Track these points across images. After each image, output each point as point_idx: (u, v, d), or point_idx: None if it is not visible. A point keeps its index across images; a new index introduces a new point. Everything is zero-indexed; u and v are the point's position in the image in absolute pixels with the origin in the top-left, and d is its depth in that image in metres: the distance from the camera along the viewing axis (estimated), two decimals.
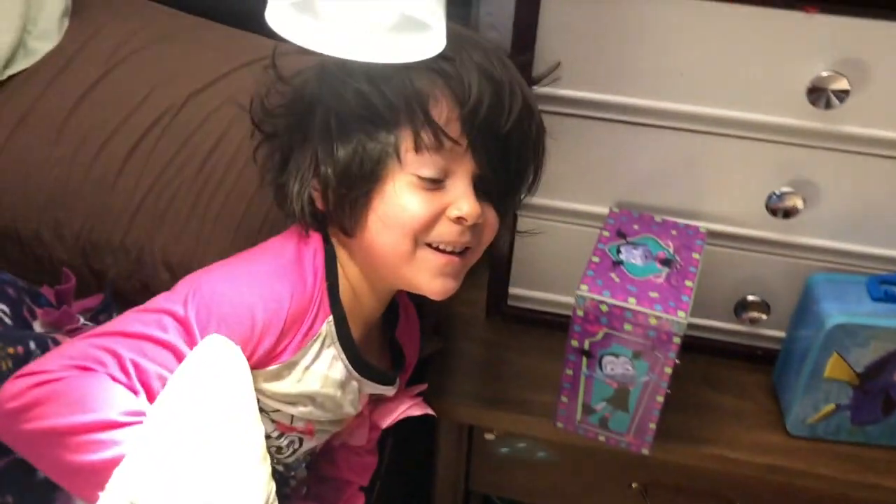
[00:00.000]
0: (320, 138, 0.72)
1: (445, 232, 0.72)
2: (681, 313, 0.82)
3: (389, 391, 0.86)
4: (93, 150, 0.91)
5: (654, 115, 0.88)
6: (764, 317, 0.98)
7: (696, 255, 0.89)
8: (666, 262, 0.87)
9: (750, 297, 0.98)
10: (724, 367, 1.03)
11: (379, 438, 0.95)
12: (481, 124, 0.71)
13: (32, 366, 0.64)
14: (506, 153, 0.74)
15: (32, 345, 0.74)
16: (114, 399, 0.61)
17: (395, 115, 0.69)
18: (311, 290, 0.73)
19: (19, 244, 0.90)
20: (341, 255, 0.76)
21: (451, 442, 1.05)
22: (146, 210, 0.88)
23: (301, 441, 0.81)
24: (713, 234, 0.94)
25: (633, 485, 1.02)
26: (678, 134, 0.89)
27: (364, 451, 0.95)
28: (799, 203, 0.89)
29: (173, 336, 0.66)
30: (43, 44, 1.01)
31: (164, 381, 0.64)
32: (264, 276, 0.71)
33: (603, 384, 0.88)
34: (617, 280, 0.85)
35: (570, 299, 1.03)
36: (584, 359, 0.87)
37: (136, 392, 0.63)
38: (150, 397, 0.64)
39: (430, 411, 0.90)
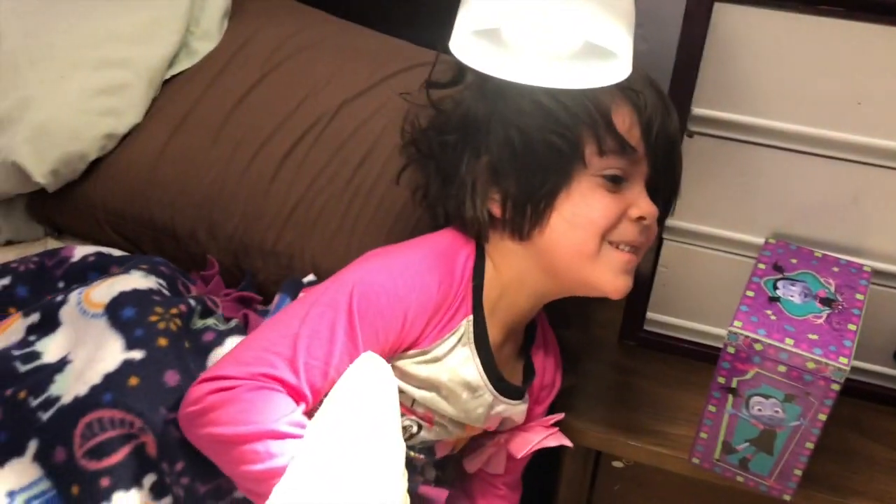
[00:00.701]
0: (500, 151, 0.75)
1: (627, 231, 0.75)
2: (842, 359, 0.77)
3: (518, 408, 0.84)
4: (249, 154, 0.93)
5: (824, 145, 0.83)
6: None
7: (859, 297, 0.83)
8: (827, 302, 0.82)
9: None
10: (880, 413, 0.96)
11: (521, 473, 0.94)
12: (658, 132, 0.75)
13: (213, 370, 0.67)
14: (672, 159, 0.79)
15: (192, 302, 0.79)
16: (278, 410, 0.63)
17: (578, 124, 0.73)
18: (458, 284, 0.76)
19: (175, 241, 0.94)
20: (498, 259, 0.78)
21: (577, 466, 1.03)
22: (298, 217, 0.90)
23: (419, 427, 0.80)
24: (878, 274, 0.88)
25: None
26: (847, 165, 0.84)
27: (503, 484, 0.94)
28: None
29: (339, 332, 0.69)
30: (204, 44, 1.04)
31: (329, 376, 0.68)
32: (417, 268, 0.74)
33: (748, 424, 0.84)
34: (773, 318, 0.80)
35: (711, 329, 1.00)
36: (731, 397, 0.83)
37: (303, 395, 0.67)
38: (317, 396, 0.68)
39: (567, 442, 0.88)
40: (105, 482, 0.66)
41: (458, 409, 0.79)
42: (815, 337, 0.78)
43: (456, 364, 0.76)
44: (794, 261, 0.87)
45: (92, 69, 0.95)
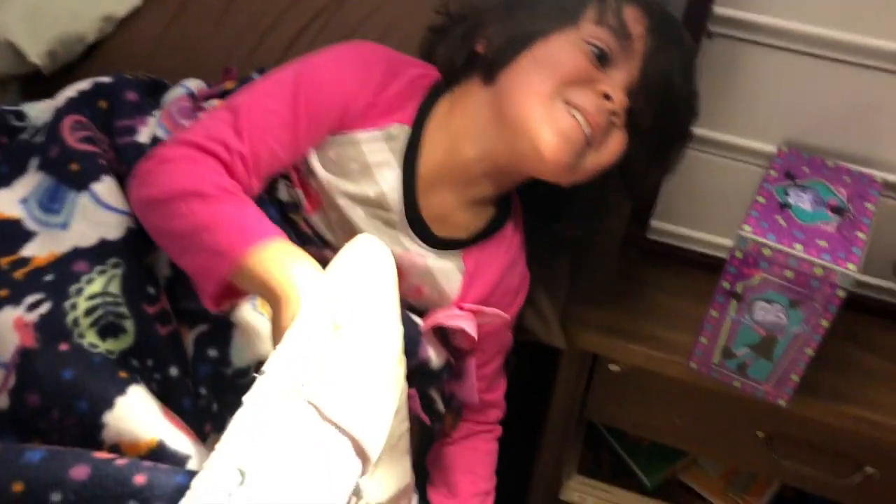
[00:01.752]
0: (510, 4, 0.78)
1: (586, 98, 0.74)
2: (850, 266, 0.77)
3: (437, 264, 0.81)
4: (252, 41, 0.91)
5: (843, 49, 0.82)
6: None
7: (869, 206, 0.83)
8: (837, 211, 0.82)
9: None
10: (874, 325, 0.98)
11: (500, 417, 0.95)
12: (661, 39, 0.75)
13: (157, 146, 0.74)
14: (668, 90, 0.76)
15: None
16: (204, 173, 0.68)
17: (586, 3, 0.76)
18: (403, 88, 0.78)
19: None
20: (458, 103, 0.79)
21: (574, 369, 1.04)
22: None
23: (298, 205, 0.79)
24: (888, 185, 0.87)
25: (759, 433, 1.00)
26: (866, 72, 0.82)
27: (481, 428, 0.94)
28: None
29: (283, 105, 0.73)
30: None
31: (269, 145, 0.73)
32: (367, 58, 0.78)
33: (750, 330, 0.85)
34: (783, 224, 0.80)
35: (716, 238, 1.00)
36: (734, 302, 0.84)
37: (244, 160, 0.71)
38: (259, 166, 0.72)
39: (471, 331, 0.81)
40: (103, 161, 0.73)
41: (361, 219, 0.78)
42: (824, 243, 0.78)
43: (373, 161, 0.77)
44: (806, 169, 0.87)
45: None
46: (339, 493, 0.57)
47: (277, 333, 0.59)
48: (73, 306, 0.66)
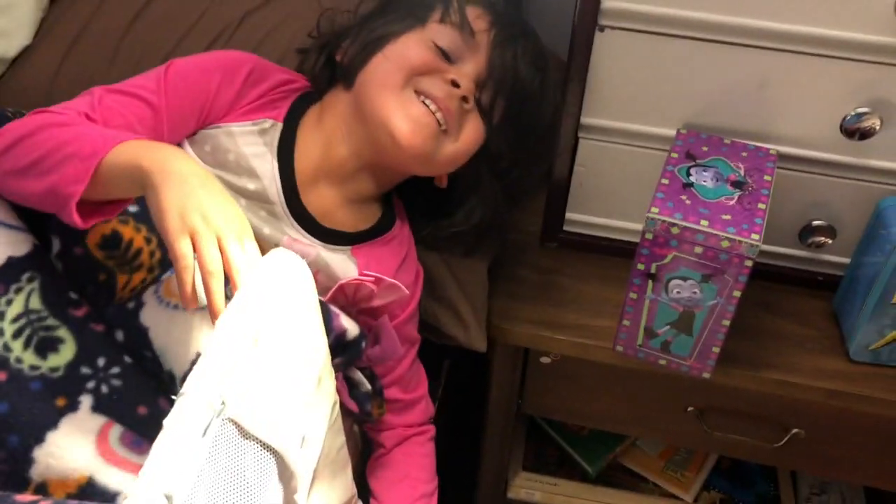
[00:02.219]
0: (365, 17, 0.86)
1: (436, 85, 0.80)
2: (754, 236, 0.80)
3: (330, 256, 0.84)
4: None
5: (726, 32, 0.85)
6: (829, 242, 0.97)
7: (767, 178, 0.87)
8: (737, 185, 0.86)
9: (816, 222, 0.96)
10: (785, 293, 1.02)
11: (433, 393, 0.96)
12: (504, 33, 0.83)
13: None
14: (516, 80, 0.84)
15: None
16: (57, 118, 0.70)
17: (432, 7, 0.84)
18: (273, 86, 0.84)
19: None
20: (327, 111, 0.85)
21: (506, 365, 1.05)
22: None
23: None
24: (783, 157, 0.91)
25: (689, 408, 1.03)
26: (750, 51, 0.86)
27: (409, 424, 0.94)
28: (876, 124, 0.86)
29: (146, 91, 0.77)
30: None
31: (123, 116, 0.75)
32: (235, 56, 0.84)
33: (668, 308, 0.88)
34: (688, 202, 0.83)
35: (629, 224, 1.03)
36: (650, 282, 0.86)
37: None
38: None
39: (366, 279, 0.83)
40: None
41: (239, 183, 0.81)
42: (727, 217, 0.82)
43: (249, 152, 0.81)
44: (705, 148, 0.90)
45: None
46: None
47: (160, 216, 0.59)
48: (0, 332, 0.64)
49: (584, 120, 0.95)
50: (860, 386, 0.93)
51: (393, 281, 0.83)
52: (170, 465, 0.49)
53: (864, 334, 0.92)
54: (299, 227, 0.83)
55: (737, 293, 0.84)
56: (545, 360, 1.04)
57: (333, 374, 0.70)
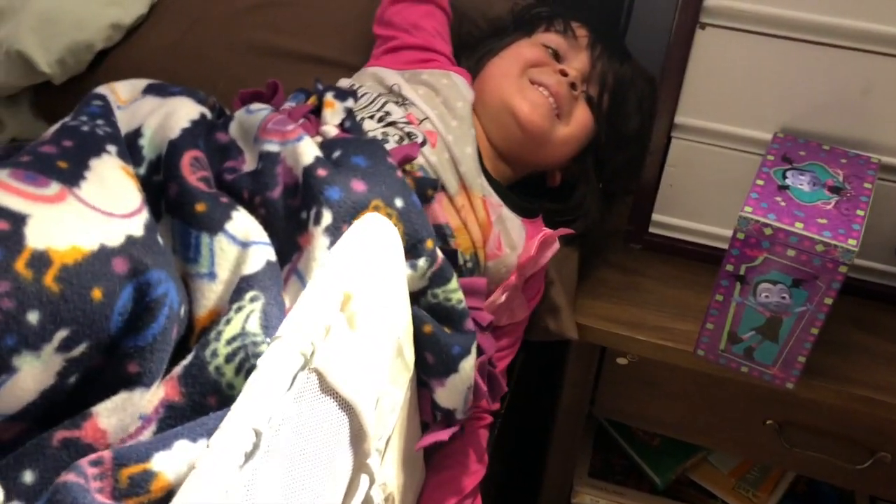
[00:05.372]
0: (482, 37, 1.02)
1: (547, 76, 0.91)
2: (851, 241, 0.78)
3: (511, 218, 0.88)
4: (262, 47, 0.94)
5: (830, 33, 0.83)
6: None
7: (867, 185, 0.84)
8: (835, 190, 0.83)
9: None
10: (878, 310, 0.98)
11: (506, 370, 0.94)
12: (604, 40, 0.96)
13: None
14: (616, 78, 0.95)
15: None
16: None
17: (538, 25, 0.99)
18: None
19: None
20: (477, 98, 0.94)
21: (582, 364, 1.04)
22: None
23: (424, 141, 0.84)
24: (885, 168, 0.89)
25: (769, 421, 1.00)
26: (854, 55, 0.84)
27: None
28: None
29: None
30: None
31: None
32: None
33: (754, 312, 0.86)
34: (783, 204, 0.81)
35: (718, 230, 1.01)
36: (738, 284, 0.85)
37: None
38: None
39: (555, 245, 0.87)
40: (224, 200, 0.65)
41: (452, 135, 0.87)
42: (824, 221, 0.80)
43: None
44: (802, 153, 0.88)
45: None
46: (341, 468, 0.57)
47: None
48: (214, 353, 0.57)
49: (679, 119, 0.94)
50: None
51: (556, 232, 0.87)
52: (260, 403, 0.50)
53: None
54: (489, 187, 0.88)
55: (828, 301, 0.81)
56: (622, 360, 1.02)
57: (412, 347, 0.70)
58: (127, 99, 0.74)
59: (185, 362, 0.57)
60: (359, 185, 0.68)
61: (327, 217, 0.65)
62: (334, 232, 0.64)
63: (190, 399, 0.56)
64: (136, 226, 0.57)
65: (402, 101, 0.88)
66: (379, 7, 0.98)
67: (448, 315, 0.73)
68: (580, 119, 0.93)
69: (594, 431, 1.30)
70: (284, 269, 0.65)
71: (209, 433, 0.51)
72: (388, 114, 0.86)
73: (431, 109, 0.87)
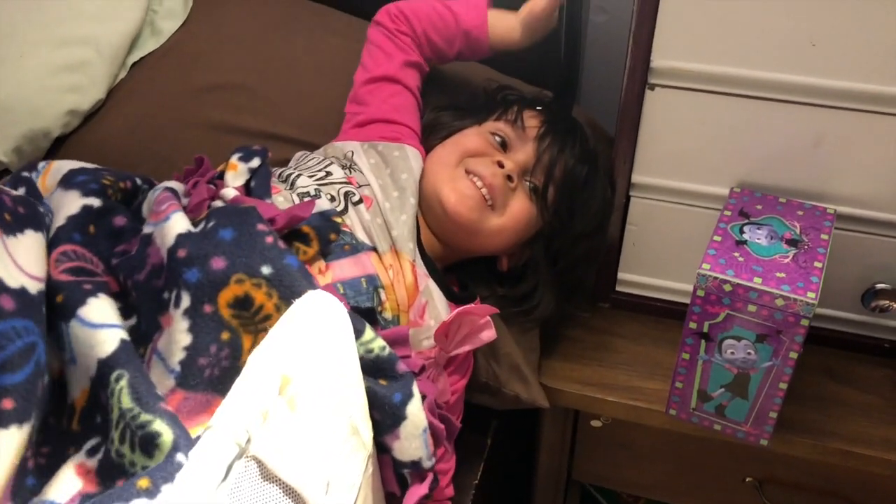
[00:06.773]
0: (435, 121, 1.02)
1: (482, 166, 0.90)
2: (810, 294, 0.78)
3: (438, 298, 0.86)
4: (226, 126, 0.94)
5: (778, 89, 0.84)
6: (894, 306, 0.93)
7: (824, 237, 0.84)
8: (793, 243, 0.83)
9: (879, 286, 0.93)
10: (849, 359, 0.97)
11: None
12: (554, 128, 0.94)
13: None
14: (564, 168, 0.92)
15: (139, 180, 0.80)
16: None
17: (495, 110, 0.98)
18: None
19: None
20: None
21: (556, 428, 1.03)
22: None
23: (358, 199, 0.85)
24: (842, 218, 0.89)
25: (748, 479, 0.98)
26: (804, 109, 0.85)
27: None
28: None
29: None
30: (169, 23, 1.05)
31: None
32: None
33: (722, 369, 0.85)
34: (741, 259, 0.81)
35: (682, 285, 1.01)
36: (703, 342, 0.84)
37: None
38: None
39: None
40: (87, 287, 0.66)
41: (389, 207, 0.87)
42: (782, 275, 0.79)
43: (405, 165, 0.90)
44: (759, 207, 0.88)
45: (53, 47, 0.95)
46: None
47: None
48: (111, 440, 0.59)
49: (636, 178, 0.94)
50: None
51: (478, 308, 0.81)
52: (190, 496, 0.48)
53: None
54: (421, 261, 0.87)
55: (793, 354, 0.81)
56: (596, 423, 1.01)
57: (370, 428, 0.69)
58: (49, 187, 0.75)
59: (98, 456, 0.58)
60: (218, 263, 0.66)
61: (186, 300, 0.65)
62: (193, 314, 0.65)
63: (106, 488, 0.56)
64: (35, 288, 0.61)
65: (350, 165, 0.89)
66: (351, 89, 0.99)
67: (376, 366, 0.70)
68: (516, 210, 0.90)
69: (579, 495, 1.28)
70: (147, 349, 0.66)
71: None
72: (328, 174, 0.86)
73: (376, 179, 0.87)
